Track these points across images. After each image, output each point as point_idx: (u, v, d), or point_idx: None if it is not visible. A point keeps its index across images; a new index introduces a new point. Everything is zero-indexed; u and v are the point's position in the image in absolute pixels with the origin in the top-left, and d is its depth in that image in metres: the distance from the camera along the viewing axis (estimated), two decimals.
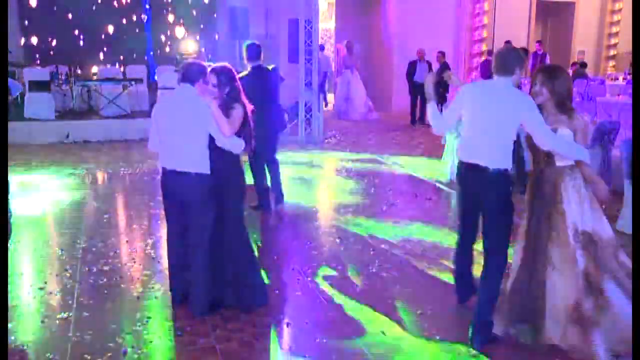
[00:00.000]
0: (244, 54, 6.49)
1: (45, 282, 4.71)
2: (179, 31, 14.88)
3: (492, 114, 3.67)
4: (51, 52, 13.94)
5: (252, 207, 6.68)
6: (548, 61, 15.66)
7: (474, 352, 3.67)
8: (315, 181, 8.40)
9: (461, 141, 3.98)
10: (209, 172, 4.05)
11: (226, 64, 4.28)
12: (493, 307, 3.79)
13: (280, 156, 6.97)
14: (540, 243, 3.78)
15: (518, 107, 3.62)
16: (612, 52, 17.93)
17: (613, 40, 18.13)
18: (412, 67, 13.74)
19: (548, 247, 3.74)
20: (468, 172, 3.80)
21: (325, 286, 4.67)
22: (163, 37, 15.27)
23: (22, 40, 13.66)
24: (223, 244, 4.18)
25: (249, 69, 6.43)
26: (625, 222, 5.84)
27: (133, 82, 12.56)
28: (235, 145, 4.13)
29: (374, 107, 15.11)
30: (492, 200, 3.73)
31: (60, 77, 12.32)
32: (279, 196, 6.90)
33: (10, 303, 4.19)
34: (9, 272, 4.75)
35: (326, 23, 16.73)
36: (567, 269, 3.67)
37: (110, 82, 12.44)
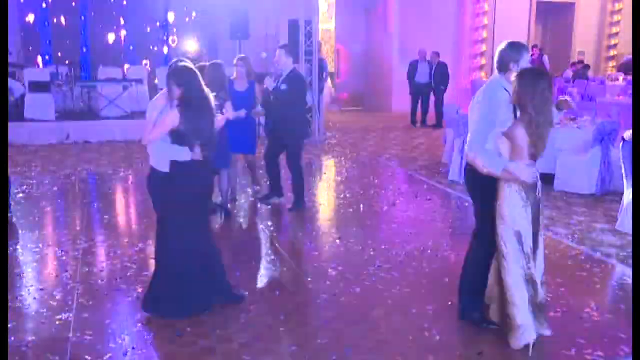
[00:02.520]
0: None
1: (45, 282, 4.72)
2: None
3: (471, 108, 3.80)
4: (51, 53, 13.95)
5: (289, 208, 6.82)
6: (545, 59, 15.69)
7: (475, 352, 3.66)
8: (315, 181, 8.41)
9: None
10: (164, 170, 4.04)
11: (184, 63, 4.07)
12: (466, 285, 3.94)
13: (281, 156, 6.99)
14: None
15: (478, 103, 3.66)
16: (612, 53, 17.94)
17: (613, 41, 18.15)
18: (412, 68, 13.68)
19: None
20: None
21: (325, 286, 4.67)
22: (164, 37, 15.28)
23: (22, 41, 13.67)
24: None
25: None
26: (625, 222, 5.85)
27: (133, 83, 12.56)
28: (166, 152, 3.97)
29: (374, 107, 15.24)
30: (469, 187, 3.93)
31: (60, 77, 12.33)
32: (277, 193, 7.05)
33: (10, 303, 4.19)
34: (9, 272, 4.76)
35: (326, 23, 16.73)
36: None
37: (111, 83, 12.44)
